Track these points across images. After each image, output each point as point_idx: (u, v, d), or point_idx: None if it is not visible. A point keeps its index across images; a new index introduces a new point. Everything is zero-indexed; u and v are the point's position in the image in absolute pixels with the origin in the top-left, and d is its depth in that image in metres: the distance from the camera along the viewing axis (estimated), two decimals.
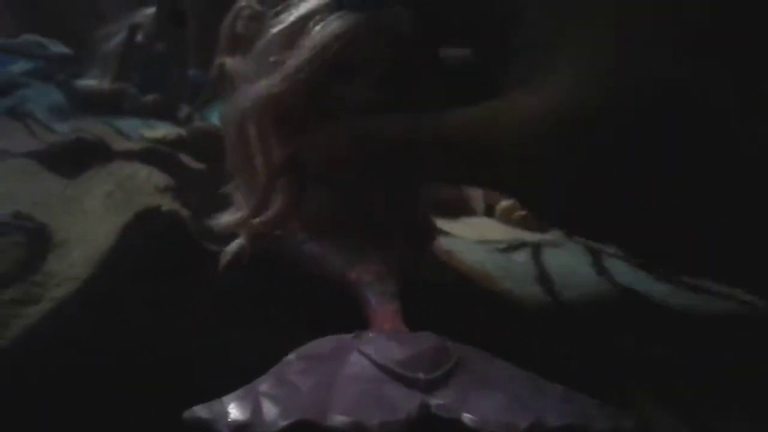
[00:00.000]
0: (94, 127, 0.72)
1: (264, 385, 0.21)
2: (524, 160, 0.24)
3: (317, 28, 0.29)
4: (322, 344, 0.24)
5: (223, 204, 0.36)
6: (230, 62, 0.96)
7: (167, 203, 0.39)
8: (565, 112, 0.23)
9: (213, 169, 0.61)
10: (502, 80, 0.27)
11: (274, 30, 0.30)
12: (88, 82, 0.94)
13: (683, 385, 0.25)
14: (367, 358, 0.22)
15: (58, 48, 1.17)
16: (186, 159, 0.62)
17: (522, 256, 0.43)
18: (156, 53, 0.99)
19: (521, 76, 0.25)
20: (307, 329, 0.27)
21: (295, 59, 0.29)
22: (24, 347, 0.26)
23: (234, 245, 0.34)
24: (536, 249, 0.44)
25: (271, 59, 0.30)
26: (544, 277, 0.38)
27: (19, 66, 1.05)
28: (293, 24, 0.30)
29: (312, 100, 0.30)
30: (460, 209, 0.60)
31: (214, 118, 0.83)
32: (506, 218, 0.58)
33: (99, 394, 0.23)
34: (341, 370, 0.22)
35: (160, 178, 0.46)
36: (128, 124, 0.81)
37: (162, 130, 0.76)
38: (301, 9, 0.30)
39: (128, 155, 0.56)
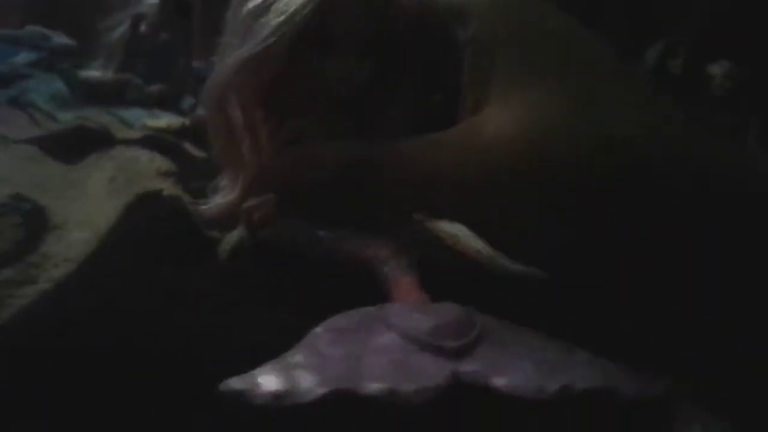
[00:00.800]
0: (97, 116, 0.72)
1: (297, 356, 0.22)
2: (482, 181, 0.26)
3: None
4: (349, 317, 0.24)
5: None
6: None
7: (169, 188, 0.39)
8: (517, 141, 0.24)
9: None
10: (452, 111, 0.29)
11: (247, 5, 0.30)
12: (92, 73, 0.93)
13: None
14: (395, 329, 0.23)
15: (61, 39, 1.16)
16: (188, 147, 0.61)
17: None
18: (160, 44, 0.98)
19: (476, 105, 0.27)
20: (312, 310, 0.27)
21: (266, 23, 0.29)
22: (21, 327, 0.25)
23: (234, 234, 0.33)
24: None
25: (243, 31, 0.30)
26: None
27: (23, 57, 1.05)
28: None
29: (293, 71, 0.29)
30: None
31: None
32: None
33: (96, 374, 0.22)
34: (369, 341, 0.22)
35: (162, 162, 0.46)
36: (132, 113, 0.81)
37: (165, 120, 0.76)
38: None
39: (129, 142, 0.55)
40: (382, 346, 0.22)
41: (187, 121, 0.72)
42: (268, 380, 0.20)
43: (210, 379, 0.22)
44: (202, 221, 0.35)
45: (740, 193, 0.24)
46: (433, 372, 0.20)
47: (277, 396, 0.19)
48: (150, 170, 0.43)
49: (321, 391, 0.19)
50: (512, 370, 0.21)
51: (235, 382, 0.20)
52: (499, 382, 0.20)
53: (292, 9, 0.28)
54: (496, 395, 0.20)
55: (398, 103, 0.31)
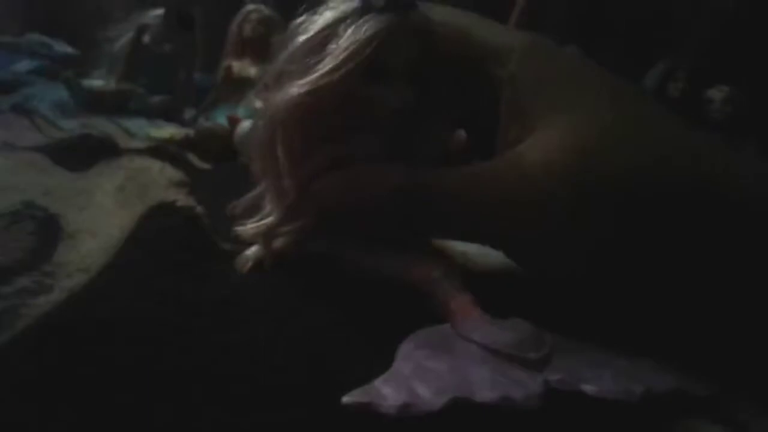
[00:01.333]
0: (101, 125, 0.72)
1: (405, 370, 0.23)
2: (535, 206, 0.25)
3: (349, 31, 0.29)
4: (429, 334, 0.26)
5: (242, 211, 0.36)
6: (237, 65, 0.96)
7: (182, 198, 0.39)
8: (567, 161, 0.25)
9: (218, 169, 0.61)
10: (494, 141, 0.29)
11: (303, 37, 0.30)
12: (95, 82, 0.93)
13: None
14: (477, 344, 0.24)
15: (62, 48, 1.17)
16: (193, 159, 0.61)
17: None
18: (163, 55, 0.98)
19: (518, 136, 0.27)
20: (325, 326, 0.27)
21: (330, 59, 0.29)
22: (37, 337, 0.25)
23: (253, 250, 0.33)
24: None
25: (301, 64, 0.30)
26: None
27: (24, 65, 1.05)
28: (322, 29, 0.30)
29: (344, 103, 0.30)
30: None
31: (220, 120, 0.83)
32: None
33: (108, 385, 0.22)
34: (457, 355, 0.24)
35: (173, 173, 0.46)
36: (135, 123, 0.81)
37: (169, 130, 0.76)
38: (329, 15, 0.30)
39: (137, 152, 0.55)
40: (474, 359, 0.23)
41: (191, 133, 0.72)
42: (391, 392, 0.21)
43: (236, 389, 0.22)
44: (218, 233, 0.35)
45: None
46: (527, 380, 0.22)
47: (404, 407, 0.20)
48: (161, 180, 0.43)
49: (442, 400, 0.20)
50: (594, 376, 0.22)
51: (359, 395, 0.21)
52: (587, 387, 0.22)
53: (355, 47, 0.28)
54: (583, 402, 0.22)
55: (432, 131, 0.31)
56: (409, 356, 0.24)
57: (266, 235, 0.32)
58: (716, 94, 0.88)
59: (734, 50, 0.96)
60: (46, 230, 0.33)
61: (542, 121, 0.26)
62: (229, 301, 0.29)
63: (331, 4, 0.31)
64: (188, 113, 0.99)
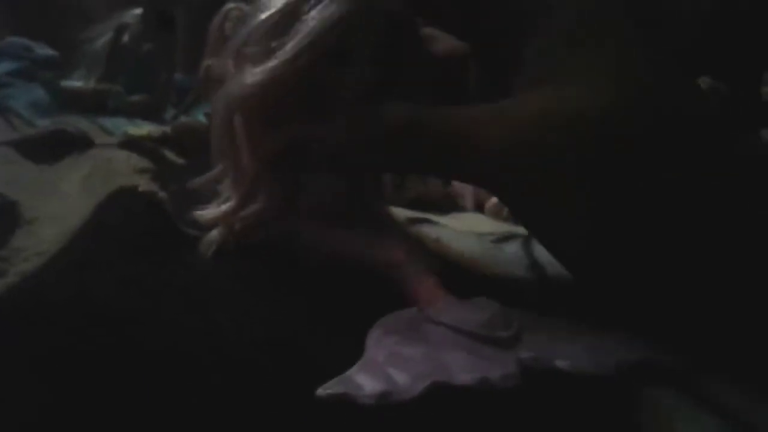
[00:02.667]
0: (77, 123, 0.71)
1: (379, 357, 0.22)
2: (534, 153, 0.25)
3: (312, 13, 0.28)
4: (396, 320, 0.25)
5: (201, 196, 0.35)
6: (217, 64, 0.96)
7: (145, 184, 0.38)
8: (581, 111, 0.24)
9: (194, 163, 0.60)
10: (510, 83, 0.28)
11: (263, 15, 0.29)
12: (73, 82, 0.92)
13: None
14: (447, 326, 0.24)
15: (43, 50, 1.15)
16: (168, 154, 0.61)
17: (512, 247, 0.42)
18: (143, 55, 0.98)
19: (533, 81, 0.26)
20: (304, 307, 0.27)
21: (293, 44, 0.28)
22: None
23: (216, 233, 0.32)
24: (527, 240, 0.43)
25: (261, 46, 0.29)
26: (534, 265, 0.37)
27: (3, 66, 1.04)
28: (284, 7, 0.29)
29: (304, 87, 0.29)
30: (448, 206, 0.59)
31: (200, 118, 0.82)
32: (496, 215, 0.56)
33: (63, 368, 0.21)
34: (428, 339, 0.23)
35: (138, 160, 0.45)
36: (113, 122, 0.80)
37: (146, 128, 0.75)
38: None
39: (107, 146, 0.54)
40: (446, 342, 0.23)
41: (168, 130, 0.72)
42: (367, 381, 0.20)
43: (202, 375, 0.21)
44: (181, 219, 0.34)
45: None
46: (501, 359, 0.22)
47: (382, 395, 0.20)
48: (126, 168, 0.42)
49: (421, 385, 0.20)
50: (565, 352, 0.22)
51: (335, 386, 0.20)
52: (561, 363, 0.21)
53: (319, 31, 0.28)
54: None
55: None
56: (380, 343, 0.23)
57: (227, 219, 0.32)
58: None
59: (715, 41, 0.96)
60: (4, 217, 0.33)
61: (560, 73, 0.26)
62: (191, 285, 0.28)
63: None
64: (169, 112, 0.98)
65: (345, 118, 0.29)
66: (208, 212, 0.33)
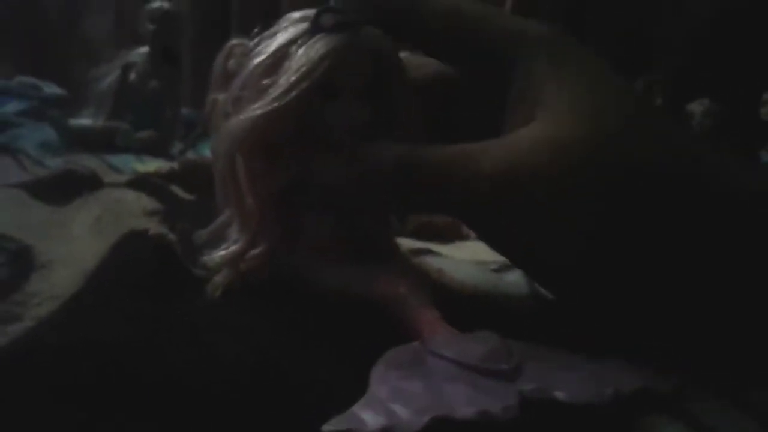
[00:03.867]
0: (86, 162, 0.72)
1: (382, 393, 0.22)
2: (525, 185, 0.25)
3: (300, 51, 0.30)
4: (399, 354, 0.25)
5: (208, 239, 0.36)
6: (222, 99, 0.97)
7: (154, 226, 0.39)
8: (569, 142, 0.25)
9: (203, 199, 0.61)
10: (500, 123, 0.29)
11: (256, 60, 0.31)
12: (82, 121, 0.94)
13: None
14: (449, 360, 0.24)
15: (52, 89, 1.17)
16: (176, 189, 0.62)
17: (513, 276, 0.43)
18: (149, 92, 0.99)
19: (520, 116, 0.28)
20: (298, 349, 0.27)
21: (283, 80, 0.29)
22: (4, 365, 0.25)
23: (222, 276, 0.33)
24: None
25: (256, 87, 0.30)
26: (535, 294, 0.38)
27: (12, 106, 1.06)
28: (275, 52, 0.30)
29: (300, 123, 0.30)
30: (452, 234, 0.60)
31: (205, 152, 0.83)
32: None
33: (78, 412, 0.22)
34: (431, 373, 0.24)
35: (147, 201, 0.46)
36: (121, 159, 0.81)
37: (154, 165, 0.76)
38: (280, 38, 0.31)
39: (116, 185, 0.55)
40: (447, 376, 0.23)
41: (176, 166, 0.73)
42: (369, 417, 0.21)
43: (209, 410, 0.22)
44: (191, 261, 0.35)
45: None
46: (502, 392, 0.22)
47: (384, 430, 0.20)
48: (136, 209, 0.43)
49: (423, 420, 0.20)
50: (564, 382, 0.23)
51: (339, 423, 0.20)
52: (559, 394, 0.22)
53: (306, 67, 0.29)
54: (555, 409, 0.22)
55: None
56: (383, 378, 0.24)
57: (233, 261, 0.33)
58: (696, 107, 0.89)
59: (714, 62, 0.97)
60: (18, 261, 0.34)
61: (547, 110, 0.27)
62: (199, 325, 0.29)
63: (282, 27, 0.31)
64: (176, 147, 1.00)
65: (340, 157, 0.30)
66: (215, 256, 0.33)
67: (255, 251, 0.33)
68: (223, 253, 0.33)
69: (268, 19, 0.33)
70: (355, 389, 0.23)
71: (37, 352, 0.26)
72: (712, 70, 0.95)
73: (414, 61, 0.34)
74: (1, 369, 0.25)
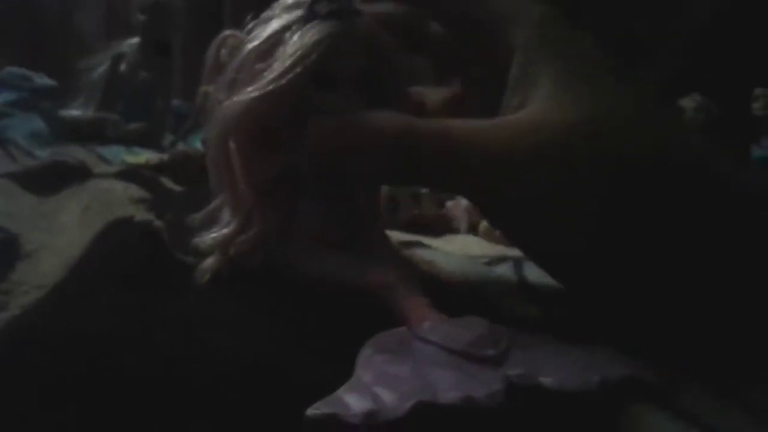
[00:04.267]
0: (75, 153, 0.72)
1: (367, 377, 0.22)
2: (528, 162, 0.25)
3: (294, 37, 0.30)
4: (386, 338, 0.26)
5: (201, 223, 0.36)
6: (214, 91, 0.97)
7: (141, 214, 0.39)
8: (568, 123, 0.25)
9: (192, 191, 0.61)
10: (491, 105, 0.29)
11: (250, 45, 0.31)
12: (72, 112, 0.94)
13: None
14: (436, 345, 0.24)
15: (42, 80, 1.17)
16: (165, 180, 0.62)
17: (503, 269, 0.43)
18: (140, 83, 0.99)
19: (518, 102, 0.28)
20: (303, 332, 0.27)
21: (277, 65, 0.29)
22: None
23: (210, 261, 0.33)
24: (518, 262, 0.43)
25: (250, 71, 0.30)
26: (525, 287, 0.38)
27: (2, 97, 1.05)
28: (269, 38, 0.30)
29: (293, 109, 0.30)
30: (443, 228, 0.60)
31: (197, 145, 0.83)
32: (489, 236, 0.57)
33: (63, 399, 0.22)
34: (417, 358, 0.24)
35: (135, 190, 0.46)
36: (111, 150, 0.81)
37: (144, 156, 0.76)
38: (275, 24, 0.31)
39: (105, 175, 0.55)
40: (434, 361, 0.23)
41: (165, 157, 0.73)
42: (354, 401, 0.21)
43: (197, 400, 0.22)
44: (178, 247, 0.35)
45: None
46: (488, 377, 0.22)
47: (369, 414, 0.20)
48: (123, 198, 0.43)
49: (407, 405, 0.20)
50: (551, 369, 0.22)
51: (324, 407, 0.20)
52: (546, 381, 0.22)
53: (301, 52, 0.29)
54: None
55: None
56: (369, 363, 0.24)
57: (223, 245, 0.33)
58: (688, 103, 0.89)
59: (708, 61, 0.97)
60: (5, 250, 0.33)
61: (545, 93, 0.27)
62: (187, 313, 0.29)
63: (276, 13, 0.31)
64: (167, 139, 0.99)
65: (338, 120, 0.29)
66: (206, 239, 0.33)
67: (246, 235, 0.33)
68: (214, 235, 0.33)
69: (262, 9, 0.33)
70: (345, 378, 0.23)
71: (21, 342, 0.25)
72: (706, 69, 0.96)
73: (417, 93, 0.35)
74: None
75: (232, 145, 0.31)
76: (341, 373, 0.23)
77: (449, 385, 0.21)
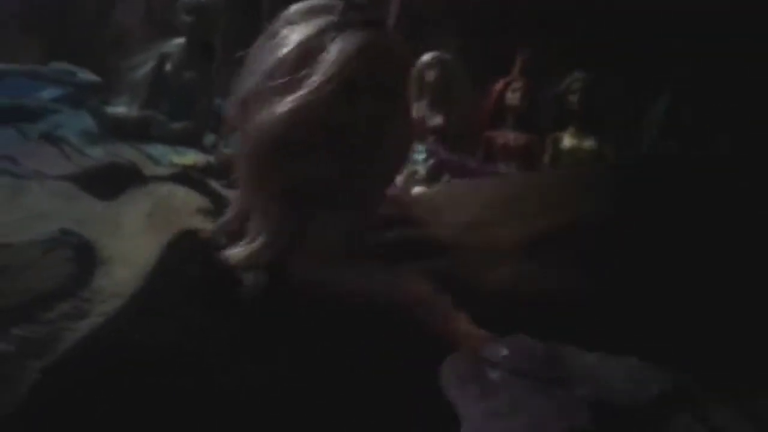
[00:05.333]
0: (126, 152, 0.74)
1: (477, 418, 0.24)
2: None
3: (334, 45, 0.30)
4: (458, 365, 0.27)
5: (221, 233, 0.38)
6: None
7: (202, 223, 0.40)
8: None
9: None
10: None
11: (282, 51, 0.31)
12: (118, 109, 0.95)
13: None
14: (503, 368, 0.25)
15: (86, 76, 1.18)
16: (216, 186, 0.63)
17: None
18: (184, 83, 1.00)
19: None
20: (328, 359, 0.29)
21: (322, 73, 0.30)
22: (78, 360, 0.26)
23: (251, 277, 0.34)
24: None
25: (286, 79, 0.31)
26: None
27: (48, 92, 1.07)
28: (303, 43, 0.31)
29: (323, 119, 0.31)
30: None
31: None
32: None
33: (144, 406, 0.23)
34: (498, 387, 0.25)
35: (197, 199, 0.47)
36: (157, 150, 0.82)
37: (191, 157, 0.77)
38: (305, 30, 0.31)
39: (161, 179, 0.56)
40: (524, 391, 0.24)
41: (212, 159, 0.74)
42: None
43: (255, 421, 0.23)
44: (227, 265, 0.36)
45: None
46: (568, 400, 0.23)
47: None
48: (186, 207, 0.44)
49: None
50: (612, 383, 0.24)
51: None
52: (620, 398, 0.23)
53: (342, 62, 0.29)
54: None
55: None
56: (465, 397, 0.25)
57: (256, 258, 0.34)
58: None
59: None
60: (83, 257, 0.35)
61: None
62: (246, 331, 0.30)
63: (299, 17, 0.32)
64: (209, 139, 1.01)
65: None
66: (239, 251, 0.34)
67: (273, 247, 0.33)
68: (247, 246, 0.34)
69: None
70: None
71: (103, 350, 0.27)
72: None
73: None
74: (75, 364, 0.26)
75: (264, 155, 0.32)
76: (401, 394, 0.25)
77: (552, 416, 0.23)
